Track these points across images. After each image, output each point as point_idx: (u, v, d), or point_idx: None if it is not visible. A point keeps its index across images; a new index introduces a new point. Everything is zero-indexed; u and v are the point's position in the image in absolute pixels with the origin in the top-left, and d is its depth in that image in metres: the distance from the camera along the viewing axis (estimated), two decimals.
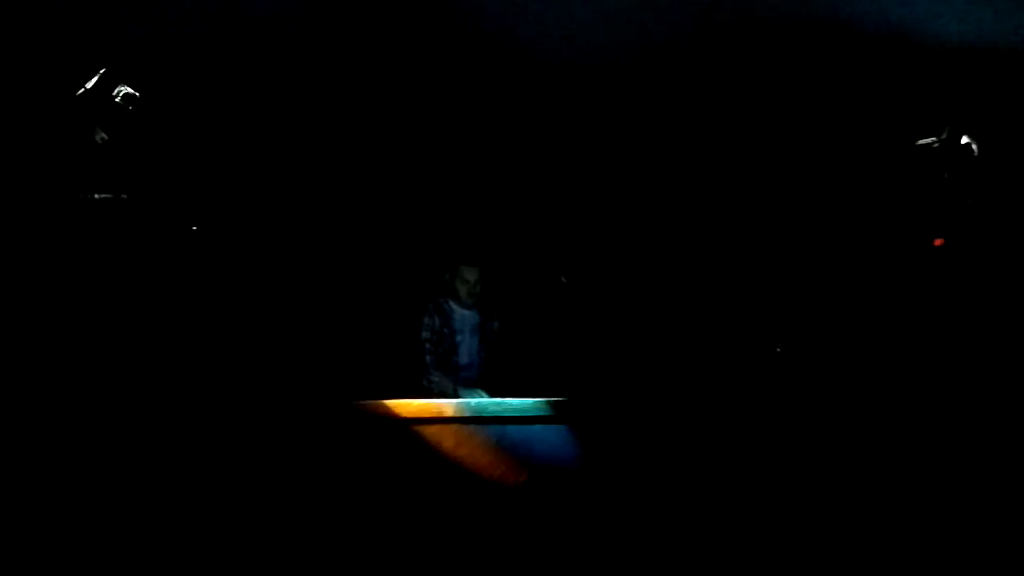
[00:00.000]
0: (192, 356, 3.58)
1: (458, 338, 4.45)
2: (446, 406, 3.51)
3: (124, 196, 3.30)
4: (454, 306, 4.51)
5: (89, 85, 3.40)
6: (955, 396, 4.16)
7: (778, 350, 4.43)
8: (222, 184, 4.40)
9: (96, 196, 3.29)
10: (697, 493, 3.58)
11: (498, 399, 3.74)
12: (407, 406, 3.46)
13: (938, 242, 4.69)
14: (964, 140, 4.72)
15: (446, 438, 3.43)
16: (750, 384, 4.52)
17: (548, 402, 3.55)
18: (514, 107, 4.91)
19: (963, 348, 4.36)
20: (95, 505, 3.14)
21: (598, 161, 5.19)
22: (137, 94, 3.44)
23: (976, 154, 4.72)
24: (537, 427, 3.53)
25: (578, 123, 5.03)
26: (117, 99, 3.41)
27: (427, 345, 4.40)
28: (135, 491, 3.13)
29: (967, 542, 3.53)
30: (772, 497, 3.61)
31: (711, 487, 3.60)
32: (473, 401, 3.75)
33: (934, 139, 4.72)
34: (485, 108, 4.91)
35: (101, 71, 3.43)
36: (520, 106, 4.90)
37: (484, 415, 3.50)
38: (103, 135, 3.35)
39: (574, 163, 5.20)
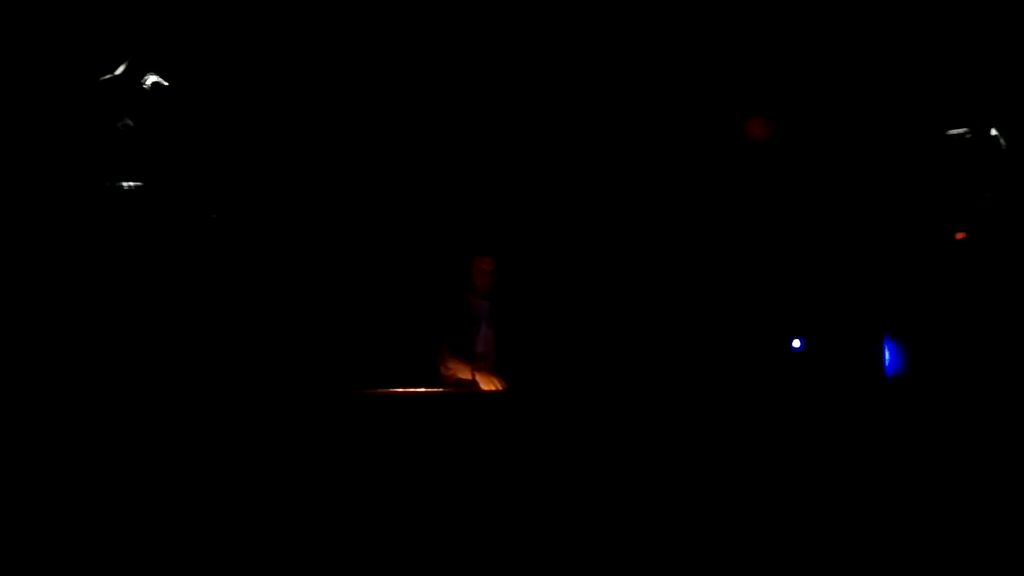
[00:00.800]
0: (213, 343, 3.65)
1: (474, 327, 4.54)
2: None
3: (154, 184, 3.35)
4: (471, 296, 4.58)
5: (118, 72, 3.44)
6: (968, 391, 4.18)
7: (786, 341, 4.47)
8: (242, 175, 4.42)
9: (124, 184, 3.35)
10: (703, 486, 3.63)
11: None
12: None
13: (960, 235, 4.67)
14: (993, 132, 4.68)
15: None
16: (764, 377, 4.56)
17: None
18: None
19: (982, 342, 4.37)
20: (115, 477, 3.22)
21: (606, 147, 5.18)
22: (166, 83, 3.47)
23: (1004, 147, 4.67)
24: None
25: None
26: (145, 87, 3.45)
27: (445, 335, 4.50)
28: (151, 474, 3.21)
29: (976, 542, 3.54)
30: (777, 492, 3.66)
31: (718, 479, 3.65)
32: None
33: (966, 130, 4.67)
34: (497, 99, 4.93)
35: (130, 58, 3.46)
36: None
37: None
38: (128, 122, 3.39)
39: (580, 153, 5.20)
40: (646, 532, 3.50)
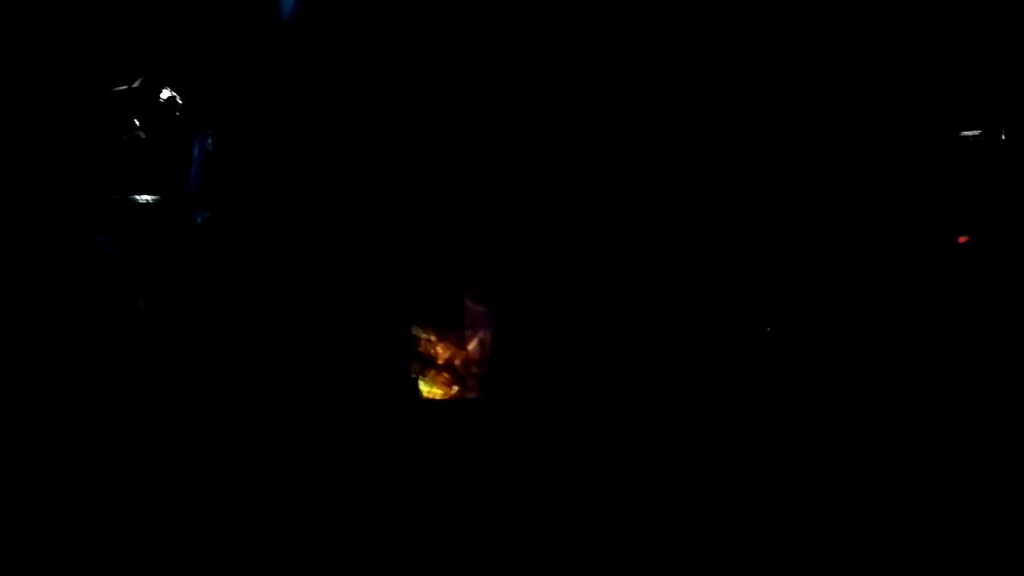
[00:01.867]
0: (212, 352, 3.73)
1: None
2: None
3: (170, 198, 3.46)
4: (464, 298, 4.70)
5: (135, 84, 3.54)
6: (957, 392, 4.27)
7: (768, 330, 4.56)
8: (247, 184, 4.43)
9: (139, 199, 3.48)
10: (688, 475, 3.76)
11: None
12: None
13: (962, 239, 4.68)
14: (1003, 136, 4.66)
15: None
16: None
17: None
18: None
19: (978, 346, 4.42)
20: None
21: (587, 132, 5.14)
22: (180, 100, 3.57)
23: (1012, 151, 4.66)
24: None
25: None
26: (160, 101, 3.56)
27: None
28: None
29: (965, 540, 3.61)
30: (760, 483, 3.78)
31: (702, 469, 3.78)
32: None
33: (979, 131, 4.65)
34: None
35: (147, 72, 3.56)
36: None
37: None
38: (139, 134, 3.49)
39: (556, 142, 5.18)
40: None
